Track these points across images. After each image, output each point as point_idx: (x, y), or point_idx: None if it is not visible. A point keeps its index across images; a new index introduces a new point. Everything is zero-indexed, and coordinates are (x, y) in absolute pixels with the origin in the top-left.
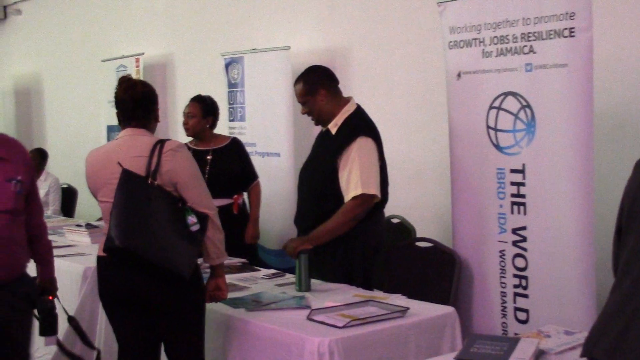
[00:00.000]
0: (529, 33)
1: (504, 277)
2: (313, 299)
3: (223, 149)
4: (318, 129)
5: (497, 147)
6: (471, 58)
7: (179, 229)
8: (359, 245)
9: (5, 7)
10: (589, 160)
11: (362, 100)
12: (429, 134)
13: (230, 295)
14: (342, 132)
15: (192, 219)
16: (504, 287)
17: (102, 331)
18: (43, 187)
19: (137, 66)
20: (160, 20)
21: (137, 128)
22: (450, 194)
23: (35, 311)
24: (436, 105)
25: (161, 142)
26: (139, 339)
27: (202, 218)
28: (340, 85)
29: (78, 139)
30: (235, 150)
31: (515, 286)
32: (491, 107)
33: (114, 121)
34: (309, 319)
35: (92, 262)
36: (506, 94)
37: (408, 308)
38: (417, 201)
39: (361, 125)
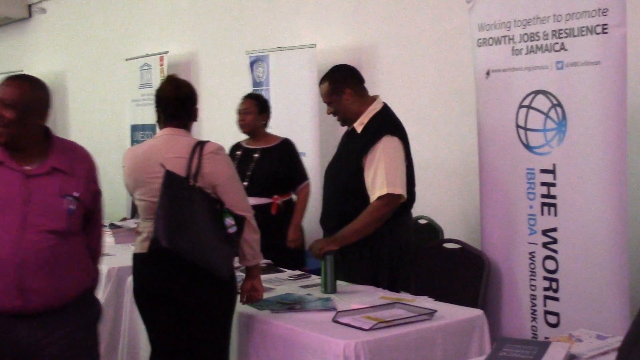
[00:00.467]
0: (560, 30)
1: (533, 279)
2: (339, 301)
3: (272, 148)
4: (344, 128)
5: (527, 146)
6: (501, 56)
7: (217, 230)
8: (386, 246)
9: (29, 6)
10: (621, 160)
11: (388, 98)
12: (457, 133)
13: None
14: (368, 131)
15: (229, 221)
16: (533, 290)
17: (126, 333)
18: None
19: (161, 65)
20: (185, 19)
21: (177, 128)
22: (479, 195)
23: None
24: (465, 104)
25: (201, 144)
26: (172, 338)
27: (239, 220)
28: (367, 84)
29: (102, 138)
30: (284, 151)
31: (546, 289)
32: (521, 106)
33: (138, 120)
34: (335, 321)
35: (115, 263)
36: (536, 93)
37: (435, 311)
38: (445, 202)
39: (387, 124)
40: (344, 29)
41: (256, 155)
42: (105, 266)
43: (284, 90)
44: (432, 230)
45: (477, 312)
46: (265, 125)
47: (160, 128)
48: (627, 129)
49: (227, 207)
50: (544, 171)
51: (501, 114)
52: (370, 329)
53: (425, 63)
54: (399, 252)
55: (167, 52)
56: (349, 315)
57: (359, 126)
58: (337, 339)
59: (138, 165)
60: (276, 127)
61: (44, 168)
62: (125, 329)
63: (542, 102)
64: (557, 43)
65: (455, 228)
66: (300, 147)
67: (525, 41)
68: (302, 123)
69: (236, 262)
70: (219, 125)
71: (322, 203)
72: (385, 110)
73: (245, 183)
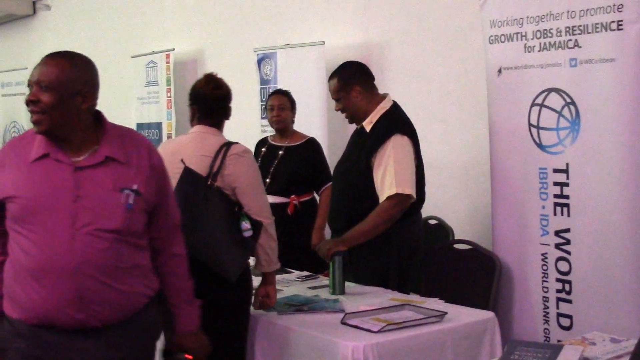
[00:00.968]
0: (574, 26)
1: (546, 281)
2: (347, 303)
3: (297, 147)
4: (353, 126)
5: (540, 145)
6: (513, 53)
7: (232, 232)
8: (395, 247)
9: (34, 3)
10: (636, 160)
11: (398, 96)
12: (468, 132)
13: None
14: (377, 129)
15: (245, 224)
16: (546, 292)
17: None
18: None
19: (168, 62)
20: (191, 16)
21: (210, 127)
22: (490, 195)
23: None
24: (476, 102)
25: (228, 145)
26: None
27: (256, 225)
28: (377, 82)
29: None
30: (308, 151)
31: (558, 291)
32: (533, 104)
33: (144, 119)
34: (343, 323)
35: None
36: (549, 91)
37: (446, 313)
38: (456, 202)
39: (397, 122)
40: (353, 26)
41: (281, 152)
42: None
43: (292, 88)
44: (442, 230)
45: (488, 315)
46: (293, 122)
47: (192, 126)
48: None
49: (245, 211)
50: (556, 171)
51: (513, 113)
52: (379, 331)
53: (435, 60)
54: (408, 252)
55: (173, 49)
56: (357, 317)
57: (368, 125)
58: (345, 341)
59: (166, 159)
60: None
61: (96, 158)
62: None
63: (555, 101)
64: (570, 40)
65: (465, 228)
66: None
67: (538, 38)
68: (311, 122)
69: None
70: (226, 123)
71: (331, 203)
72: (395, 109)
73: (268, 180)
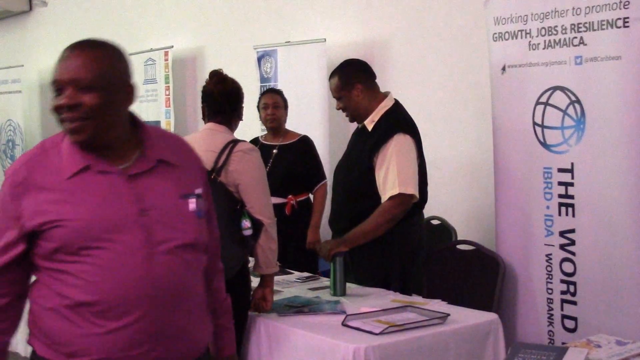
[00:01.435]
0: (579, 24)
1: (550, 282)
2: (348, 304)
3: (290, 145)
4: (354, 125)
5: (544, 145)
6: (517, 51)
7: (232, 229)
8: (397, 248)
9: None
10: None
11: (400, 95)
12: (471, 131)
13: None
14: (379, 128)
15: (246, 223)
16: (550, 294)
17: None
18: None
19: (166, 60)
20: (190, 12)
21: (220, 124)
22: (493, 194)
23: None
24: (479, 100)
25: (235, 142)
26: None
27: (257, 225)
28: (378, 80)
29: None
30: (302, 149)
31: (563, 292)
32: (538, 103)
33: (142, 117)
34: (344, 324)
35: None
36: (554, 89)
37: (448, 314)
38: (459, 202)
39: (399, 121)
40: (355, 23)
41: (274, 151)
42: None
43: (293, 86)
44: (445, 231)
45: (491, 316)
46: (285, 121)
47: (205, 123)
48: None
49: (247, 209)
50: (561, 170)
51: (517, 111)
52: (381, 333)
53: (439, 58)
54: (410, 253)
55: (172, 46)
56: (358, 319)
57: (369, 124)
58: (346, 343)
59: None
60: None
61: (147, 163)
62: None
63: (560, 99)
64: (576, 37)
65: (469, 229)
66: None
67: (543, 35)
68: (312, 120)
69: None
70: None
71: (332, 203)
72: (397, 108)
73: None
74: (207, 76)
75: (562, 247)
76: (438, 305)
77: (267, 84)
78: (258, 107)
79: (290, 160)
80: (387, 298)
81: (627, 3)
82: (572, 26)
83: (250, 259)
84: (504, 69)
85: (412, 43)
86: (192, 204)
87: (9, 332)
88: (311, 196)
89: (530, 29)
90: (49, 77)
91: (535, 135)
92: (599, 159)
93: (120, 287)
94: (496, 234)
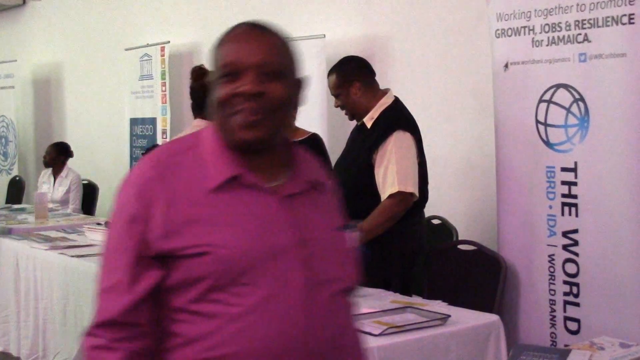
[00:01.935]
0: (584, 20)
1: (553, 283)
2: None
3: (300, 143)
4: (354, 122)
5: (547, 143)
6: (520, 47)
7: None
8: (397, 248)
9: None
10: None
11: (401, 92)
12: (473, 128)
13: None
14: (379, 126)
15: None
16: (553, 295)
17: None
18: (64, 184)
19: (163, 55)
20: (187, 7)
21: (204, 120)
22: (495, 194)
23: None
24: (482, 98)
25: None
26: None
27: None
28: (379, 77)
29: (99, 132)
30: (312, 146)
31: (566, 294)
32: (541, 101)
33: (138, 114)
34: None
35: None
36: (558, 87)
37: (449, 316)
38: (460, 201)
39: (399, 118)
40: (355, 19)
41: None
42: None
43: None
44: (446, 230)
45: (493, 318)
46: (295, 118)
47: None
48: None
49: None
50: (564, 169)
51: (520, 109)
52: (381, 335)
53: (440, 55)
54: (411, 253)
55: (168, 42)
56: (358, 320)
57: (368, 121)
58: None
59: None
60: None
61: (300, 183)
62: None
63: (563, 97)
64: (580, 34)
65: (470, 229)
66: None
67: (547, 32)
68: (310, 117)
69: None
70: None
71: None
72: (397, 105)
73: None
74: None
75: (565, 247)
76: (438, 306)
77: None
78: None
79: None
80: (387, 299)
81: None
82: (576, 23)
83: None
84: (506, 66)
85: (412, 39)
86: (349, 238)
87: None
88: None
89: (533, 26)
90: (43, 73)
91: (538, 133)
92: (603, 158)
93: (275, 337)
94: (498, 234)
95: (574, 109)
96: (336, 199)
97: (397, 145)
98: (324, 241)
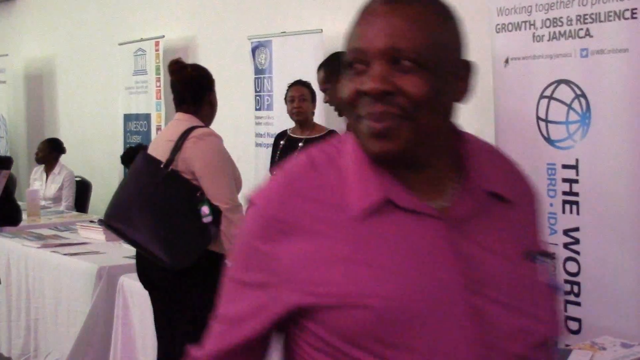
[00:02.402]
0: (586, 15)
1: None
2: None
3: (316, 139)
4: None
5: (548, 140)
6: (520, 42)
7: (189, 217)
8: None
9: None
10: None
11: None
12: (473, 125)
13: None
14: None
15: (204, 209)
16: None
17: (119, 338)
18: (56, 181)
19: (157, 50)
20: (182, 1)
21: (186, 113)
22: None
23: None
24: (481, 94)
25: (191, 129)
26: (157, 325)
27: (217, 211)
28: None
29: (93, 128)
30: None
31: (567, 293)
32: (542, 97)
33: (132, 109)
34: None
35: (106, 262)
36: (559, 82)
37: None
38: None
39: None
40: (352, 13)
41: (300, 144)
42: (94, 265)
43: (288, 78)
44: None
45: None
46: (313, 114)
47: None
48: None
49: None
50: (565, 167)
51: (520, 105)
52: None
53: None
54: None
55: (163, 36)
56: None
57: None
58: None
59: (150, 149)
60: (278, 117)
61: (474, 198)
62: (117, 334)
63: (564, 93)
64: (581, 29)
65: None
66: None
67: (548, 27)
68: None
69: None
70: (217, 114)
71: None
72: None
73: None
74: None
75: (565, 246)
76: None
77: (262, 75)
78: (285, 99)
79: None
80: None
81: None
82: (578, 17)
83: None
84: (507, 61)
85: None
86: (543, 269)
87: None
88: None
89: (534, 20)
90: (35, 68)
91: (539, 130)
92: (605, 155)
93: None
94: None
95: (575, 105)
96: (535, 215)
97: None
98: (503, 277)
